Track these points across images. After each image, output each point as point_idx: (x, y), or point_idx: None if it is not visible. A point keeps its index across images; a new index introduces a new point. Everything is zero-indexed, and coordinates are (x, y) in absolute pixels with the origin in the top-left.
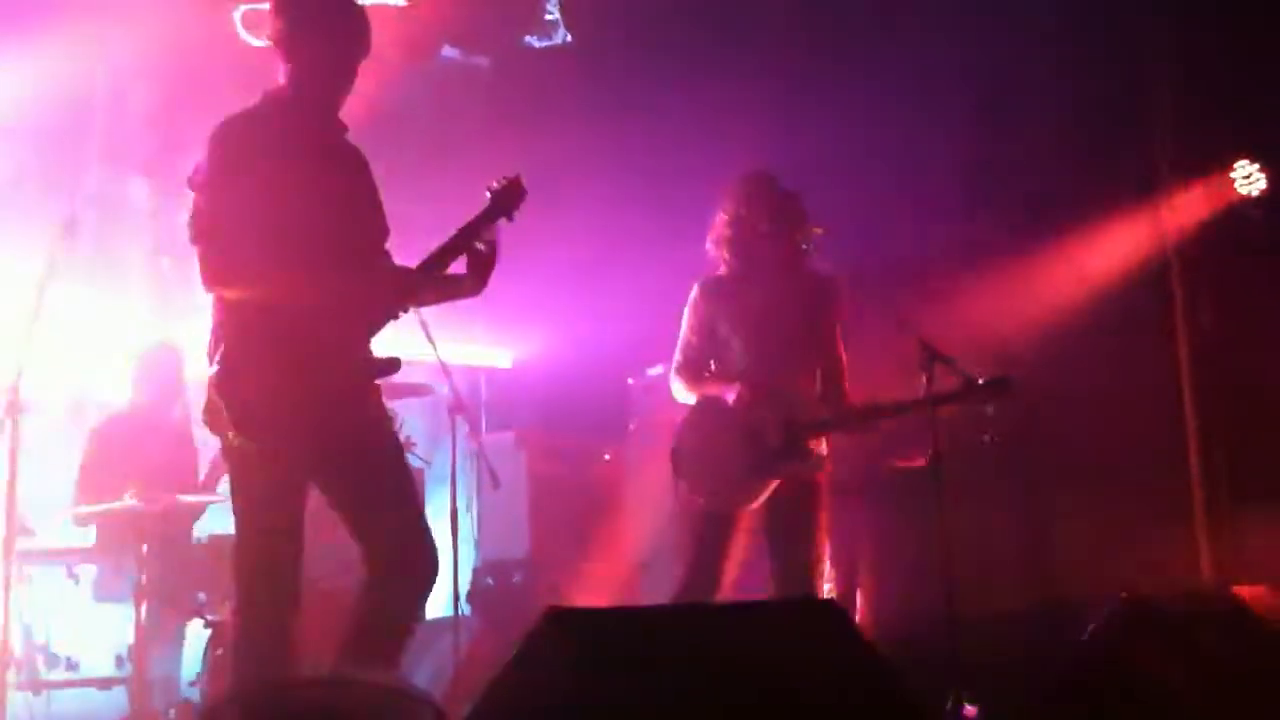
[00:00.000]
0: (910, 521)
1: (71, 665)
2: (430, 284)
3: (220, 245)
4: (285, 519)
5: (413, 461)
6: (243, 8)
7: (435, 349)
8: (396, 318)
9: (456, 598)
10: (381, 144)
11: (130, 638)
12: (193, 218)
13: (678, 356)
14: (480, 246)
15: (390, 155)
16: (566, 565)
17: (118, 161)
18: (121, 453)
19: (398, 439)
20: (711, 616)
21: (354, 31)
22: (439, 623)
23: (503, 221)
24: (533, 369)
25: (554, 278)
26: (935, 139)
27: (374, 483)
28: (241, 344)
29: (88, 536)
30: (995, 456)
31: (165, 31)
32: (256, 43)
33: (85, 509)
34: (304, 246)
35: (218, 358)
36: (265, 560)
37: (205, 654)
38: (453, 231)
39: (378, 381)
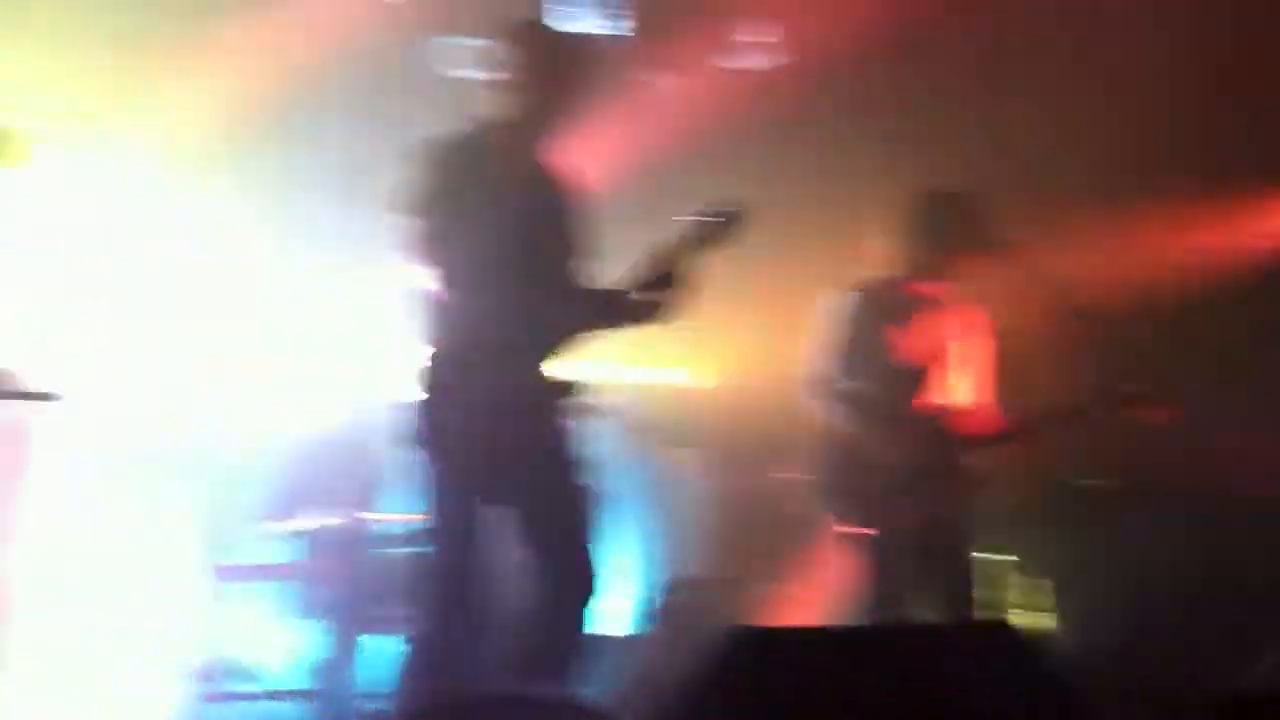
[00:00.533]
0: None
1: (262, 677)
2: (620, 309)
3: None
4: (465, 534)
5: (592, 479)
6: (438, 38)
7: (618, 367)
8: (586, 338)
9: (643, 615)
10: None
11: (320, 651)
12: (402, 239)
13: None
14: (677, 272)
15: None
16: (753, 584)
17: None
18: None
19: (573, 456)
20: (895, 637)
21: (570, 66)
22: (624, 640)
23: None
24: (717, 386)
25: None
26: None
27: (547, 500)
28: (423, 362)
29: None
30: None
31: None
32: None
33: (281, 525)
34: (492, 268)
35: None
36: (449, 575)
37: (390, 668)
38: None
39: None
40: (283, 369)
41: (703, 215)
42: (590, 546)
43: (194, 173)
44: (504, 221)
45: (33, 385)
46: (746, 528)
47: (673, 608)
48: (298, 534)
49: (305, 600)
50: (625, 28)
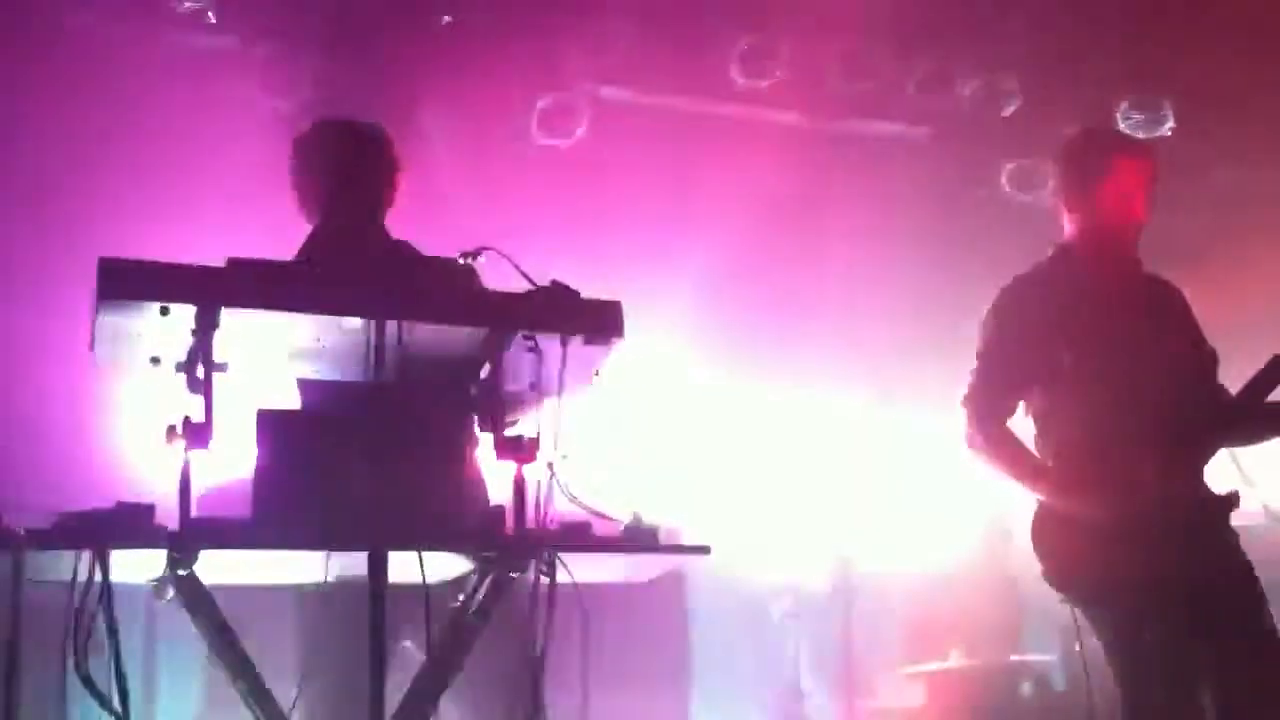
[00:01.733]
0: None
1: None
2: (1251, 417)
3: (974, 415)
4: (1161, 681)
5: None
6: (1008, 165)
7: (1240, 469)
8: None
9: None
10: None
11: None
12: (968, 381)
13: None
14: None
15: None
16: None
17: None
18: (948, 609)
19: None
20: None
21: (1137, 173)
22: None
23: None
24: None
25: None
26: None
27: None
28: (1043, 506)
29: (917, 696)
30: None
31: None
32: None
33: (915, 668)
34: (1131, 405)
35: (1035, 511)
36: (1140, 710)
37: None
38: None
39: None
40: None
41: None
42: None
43: None
44: (1125, 346)
45: (689, 539)
46: None
47: None
48: (932, 675)
49: None
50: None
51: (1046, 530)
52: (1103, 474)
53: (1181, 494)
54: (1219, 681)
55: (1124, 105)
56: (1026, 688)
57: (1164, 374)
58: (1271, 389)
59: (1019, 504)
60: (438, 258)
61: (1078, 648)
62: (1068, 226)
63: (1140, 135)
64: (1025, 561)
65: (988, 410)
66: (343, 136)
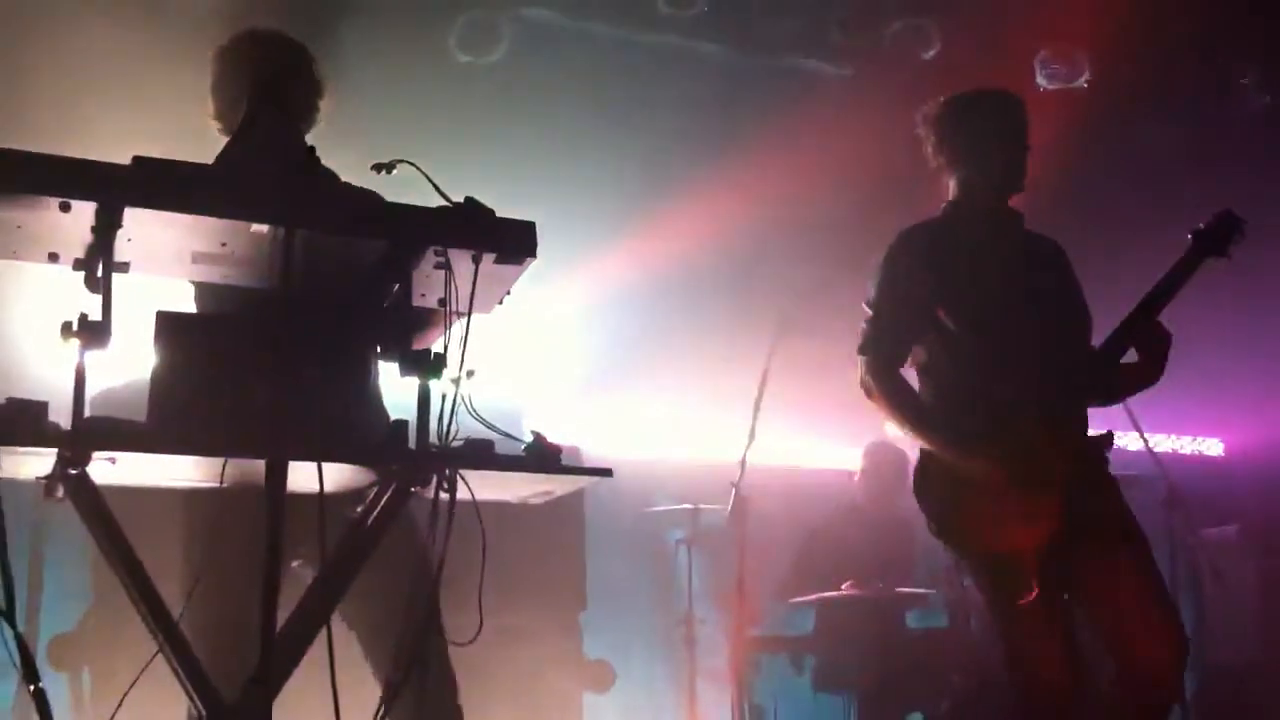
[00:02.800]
0: None
1: None
2: (1107, 374)
3: (870, 363)
4: (1029, 620)
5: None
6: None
7: (1143, 437)
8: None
9: (1182, 704)
10: None
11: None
12: (861, 329)
13: None
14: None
15: None
16: None
17: None
18: (841, 544)
19: (1135, 522)
20: None
21: (1011, 125)
22: None
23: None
24: (1252, 457)
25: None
26: None
27: (1114, 572)
28: (926, 454)
29: (805, 625)
30: None
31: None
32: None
33: (803, 598)
34: (1005, 360)
35: (915, 463)
36: (1020, 660)
37: None
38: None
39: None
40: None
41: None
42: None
43: None
44: (997, 298)
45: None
46: None
47: (1213, 694)
48: (821, 604)
49: (834, 676)
50: None
51: (929, 479)
52: (979, 427)
53: (1057, 446)
54: (1101, 626)
55: (1041, 54)
56: (911, 619)
57: (1038, 330)
58: (1127, 345)
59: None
60: (351, 185)
61: (966, 584)
62: (951, 185)
63: (1056, 86)
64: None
65: (881, 359)
66: (274, 46)
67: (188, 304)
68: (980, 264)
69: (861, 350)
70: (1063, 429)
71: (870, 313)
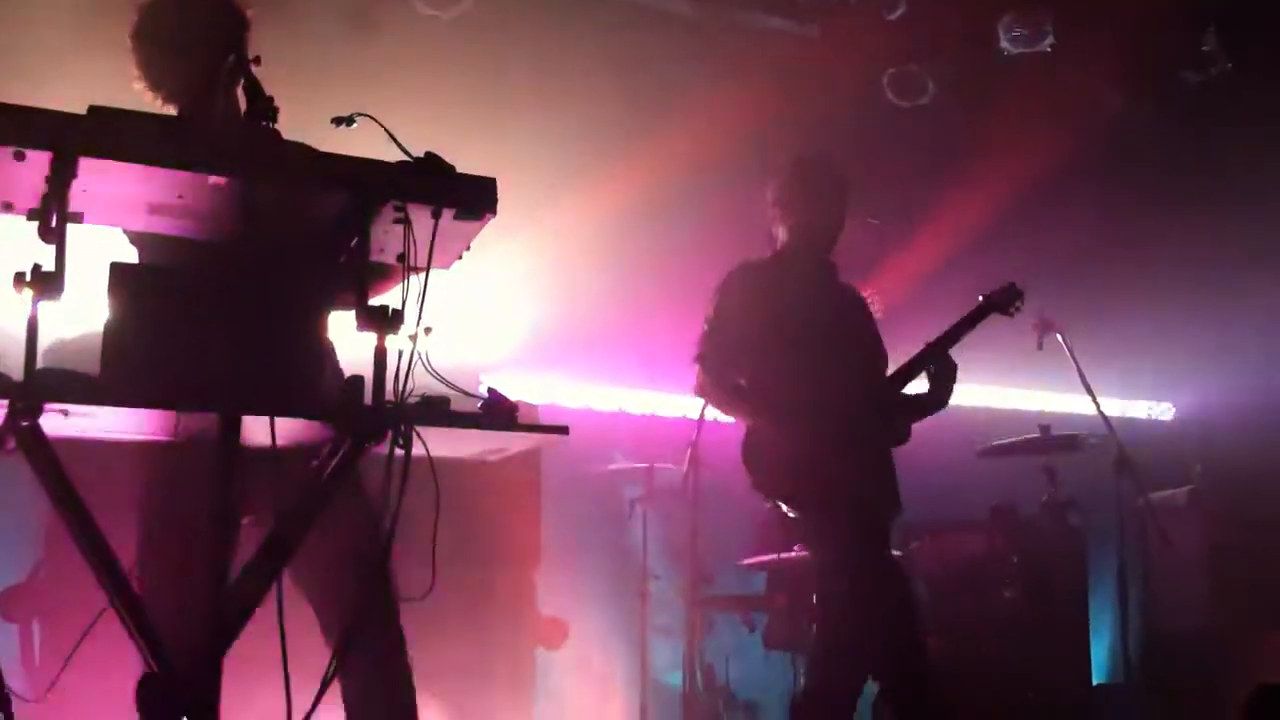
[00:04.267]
0: None
1: (749, 709)
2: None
3: (706, 368)
4: (845, 582)
5: (1070, 519)
6: (890, 70)
7: (1095, 400)
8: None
9: (1127, 665)
10: None
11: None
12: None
13: None
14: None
15: None
16: (1251, 637)
17: None
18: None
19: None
20: None
21: (838, 196)
22: (1108, 689)
23: None
24: (1202, 422)
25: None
26: None
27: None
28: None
29: (758, 586)
30: None
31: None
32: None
33: (755, 559)
34: (801, 366)
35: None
36: (831, 623)
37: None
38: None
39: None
40: None
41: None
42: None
43: None
44: (803, 330)
45: (548, 419)
46: (1248, 576)
47: (1159, 659)
48: (769, 565)
49: (784, 634)
50: None
51: (756, 449)
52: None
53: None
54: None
55: (1006, 19)
56: None
57: (846, 356)
58: (914, 374)
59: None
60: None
61: (913, 545)
62: (780, 234)
63: (1020, 50)
64: None
65: (715, 366)
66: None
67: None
68: (801, 299)
69: (698, 359)
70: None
71: (707, 329)
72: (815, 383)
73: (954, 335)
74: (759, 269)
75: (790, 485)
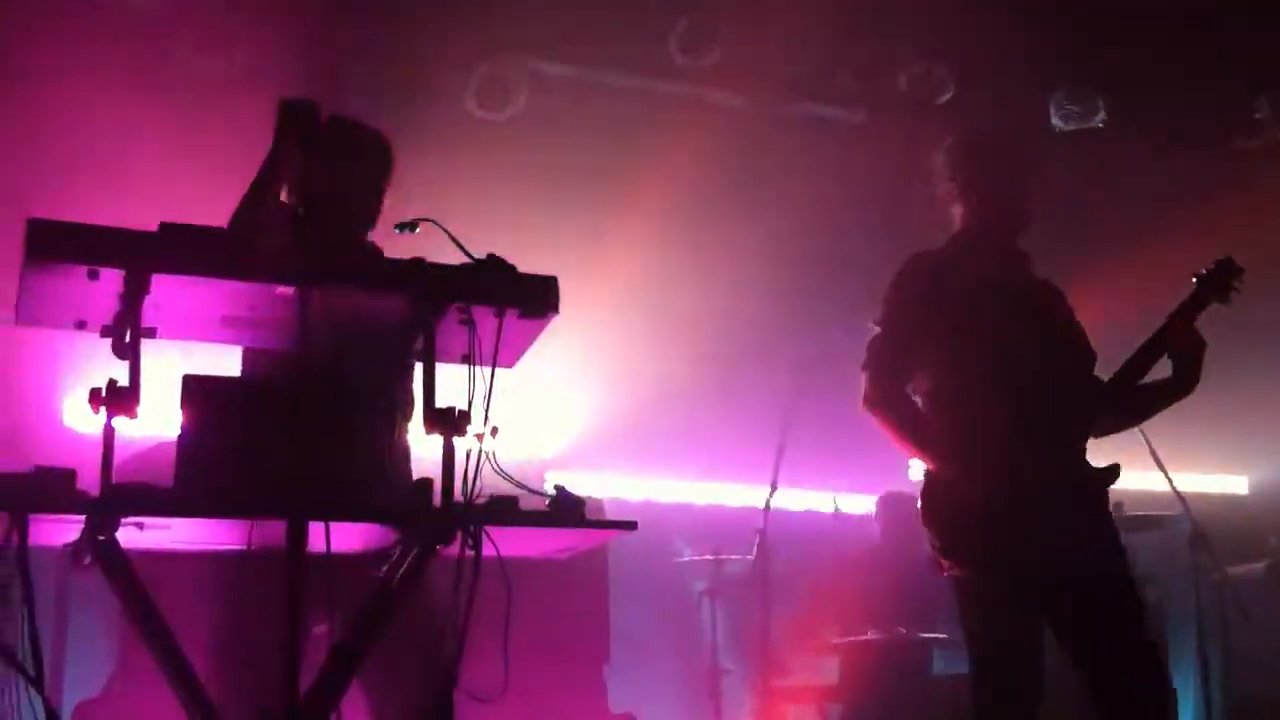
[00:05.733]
0: None
1: None
2: (1130, 396)
3: (874, 376)
4: (1000, 649)
5: (1147, 596)
6: None
7: (1167, 476)
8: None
9: None
10: None
11: None
12: (866, 346)
13: None
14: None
15: None
16: None
17: None
18: (867, 588)
19: (1126, 566)
20: None
21: (1021, 170)
22: None
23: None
24: (1278, 493)
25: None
26: None
27: (1096, 612)
28: (930, 477)
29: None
30: None
31: None
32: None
33: (829, 644)
34: (993, 377)
35: (921, 486)
36: (990, 692)
37: None
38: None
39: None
40: None
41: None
42: (1161, 668)
43: None
44: (988, 330)
45: (614, 513)
46: None
47: None
48: (847, 650)
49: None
50: None
51: (934, 501)
52: (976, 458)
53: (1051, 479)
54: (1083, 665)
55: (1058, 96)
56: (938, 664)
57: (1041, 363)
58: (1142, 373)
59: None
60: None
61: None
62: (957, 219)
63: (1073, 127)
64: None
65: (885, 373)
66: (349, 136)
67: (230, 367)
68: (985, 295)
69: (865, 366)
70: (1061, 458)
71: (876, 330)
72: (1002, 400)
73: (1174, 328)
74: (933, 259)
75: (954, 540)
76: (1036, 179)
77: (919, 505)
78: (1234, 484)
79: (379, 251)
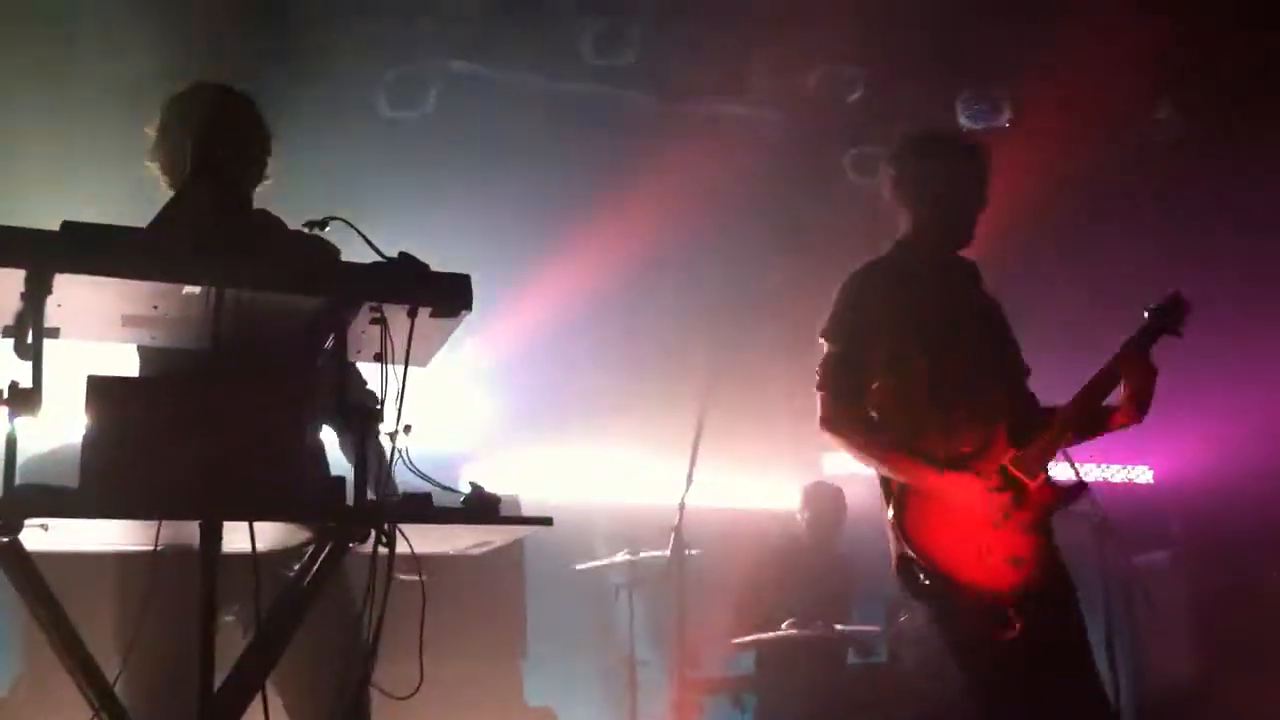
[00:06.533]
0: None
1: None
2: (1083, 420)
3: (831, 399)
4: (989, 665)
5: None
6: (851, 151)
7: (1074, 466)
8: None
9: None
10: None
11: None
12: (820, 366)
13: None
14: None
15: None
16: (1240, 695)
17: None
18: (780, 582)
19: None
20: None
21: (973, 174)
22: None
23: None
24: (1181, 484)
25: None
26: None
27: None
28: (901, 490)
29: (747, 666)
30: None
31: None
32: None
33: (744, 638)
34: (937, 389)
35: (891, 505)
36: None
37: None
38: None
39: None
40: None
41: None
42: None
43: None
44: (940, 338)
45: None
46: (1233, 633)
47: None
48: (762, 645)
49: (776, 715)
50: None
51: (911, 515)
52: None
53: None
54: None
55: (964, 94)
56: (851, 657)
57: (991, 371)
58: (1099, 400)
59: (848, 479)
60: (301, 232)
61: (902, 619)
62: (903, 224)
63: (978, 126)
64: (854, 537)
65: (843, 395)
66: (220, 99)
67: (128, 367)
68: (934, 304)
69: (821, 386)
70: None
71: (828, 347)
72: (962, 407)
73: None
74: (883, 270)
75: (939, 555)
76: (984, 187)
77: (889, 518)
78: (1139, 474)
79: (280, 224)
